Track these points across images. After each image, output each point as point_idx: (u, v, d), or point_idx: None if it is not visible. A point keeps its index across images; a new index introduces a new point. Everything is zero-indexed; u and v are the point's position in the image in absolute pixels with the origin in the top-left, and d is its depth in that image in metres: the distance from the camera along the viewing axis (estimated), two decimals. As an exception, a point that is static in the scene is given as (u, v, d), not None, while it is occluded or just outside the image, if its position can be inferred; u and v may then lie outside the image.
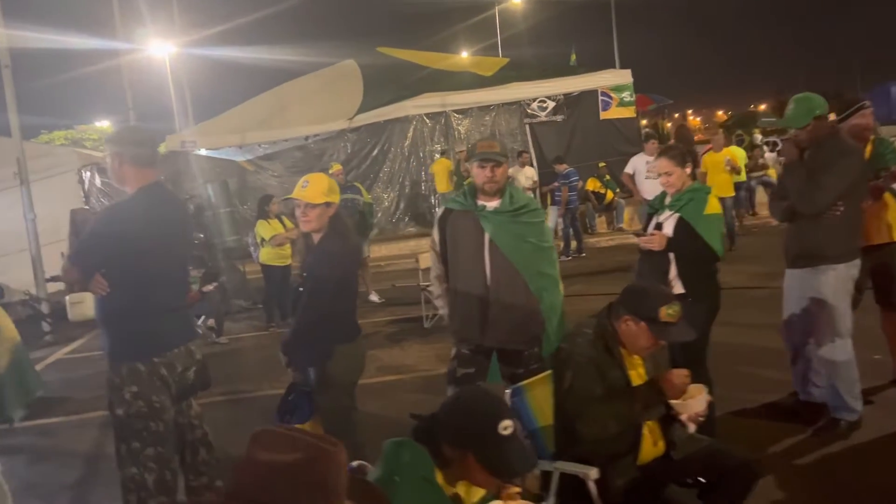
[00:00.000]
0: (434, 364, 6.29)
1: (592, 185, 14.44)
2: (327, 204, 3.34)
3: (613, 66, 19.17)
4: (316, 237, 3.40)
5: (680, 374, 2.69)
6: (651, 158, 9.10)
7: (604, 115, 16.09)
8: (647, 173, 9.29)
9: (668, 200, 3.98)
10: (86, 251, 3.17)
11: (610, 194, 13.75)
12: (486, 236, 3.58)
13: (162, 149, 16.03)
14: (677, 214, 3.86)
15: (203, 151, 15.80)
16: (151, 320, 3.17)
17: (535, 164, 14.31)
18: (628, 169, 10.02)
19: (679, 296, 3.79)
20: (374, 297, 9.59)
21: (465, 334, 3.65)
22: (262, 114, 15.85)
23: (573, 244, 11.77)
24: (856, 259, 4.02)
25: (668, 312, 2.70)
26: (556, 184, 11.53)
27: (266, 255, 8.49)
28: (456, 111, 15.77)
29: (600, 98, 16.07)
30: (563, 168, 11.64)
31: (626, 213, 14.12)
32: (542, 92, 15.82)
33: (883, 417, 4.22)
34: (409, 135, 15.70)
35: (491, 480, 1.91)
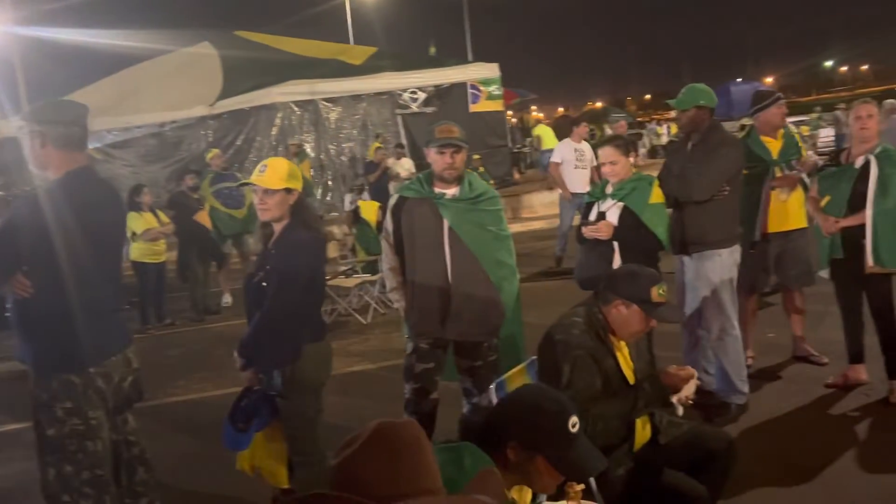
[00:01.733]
0: (350, 361, 6.07)
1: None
2: (288, 190, 3.05)
3: (466, 60, 19.42)
4: (277, 227, 3.10)
5: (685, 369, 2.70)
6: (578, 145, 8.82)
7: (473, 108, 16.24)
8: (577, 162, 8.75)
9: (609, 189, 4.02)
10: (3, 247, 2.71)
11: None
12: (446, 225, 3.45)
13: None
14: (621, 203, 3.91)
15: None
16: (86, 325, 2.76)
17: (407, 155, 14.22)
18: (556, 158, 8.98)
19: (602, 285, 3.88)
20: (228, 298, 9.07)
21: (424, 328, 3.50)
22: (111, 98, 14.61)
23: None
24: (737, 244, 4.21)
25: (659, 292, 2.69)
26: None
27: (138, 251, 7.82)
28: (326, 100, 15.32)
29: (469, 91, 16.22)
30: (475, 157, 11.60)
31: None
32: (413, 83, 15.72)
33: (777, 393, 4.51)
34: (277, 123, 15.07)
35: (556, 482, 1.80)
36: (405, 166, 12.34)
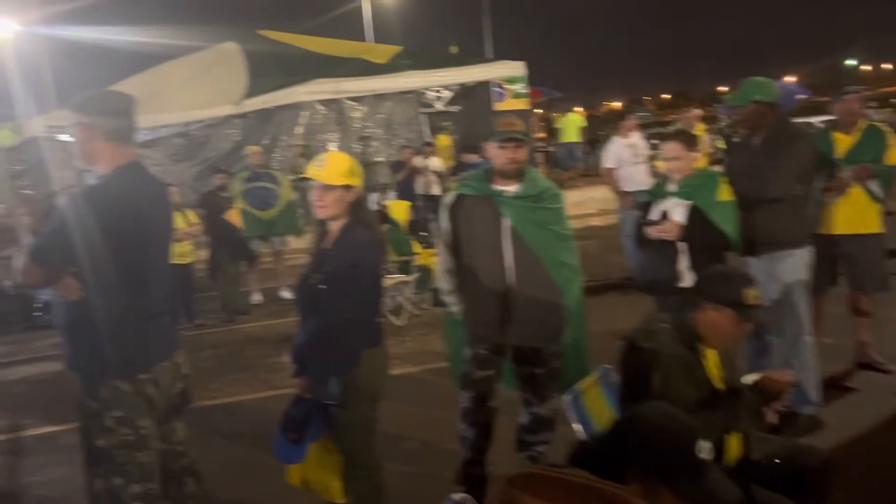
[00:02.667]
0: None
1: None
2: (347, 187, 2.88)
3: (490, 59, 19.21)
4: (334, 226, 2.93)
5: (786, 373, 2.50)
6: (629, 140, 7.94)
7: (498, 107, 16.01)
8: (632, 158, 7.80)
9: (671, 187, 3.81)
10: (51, 246, 2.55)
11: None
12: (506, 224, 3.26)
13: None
14: (686, 201, 3.70)
15: (69, 137, 14.33)
16: (136, 328, 2.62)
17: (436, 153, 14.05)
18: (610, 163, 7.88)
19: (690, 289, 3.67)
20: (286, 293, 8.96)
21: (484, 333, 3.32)
22: (139, 97, 14.43)
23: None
24: (810, 245, 4.02)
25: (752, 294, 2.50)
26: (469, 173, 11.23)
27: (167, 251, 7.69)
28: (350, 99, 15.21)
29: (495, 89, 16.01)
30: (472, 158, 11.43)
31: None
32: (438, 81, 15.56)
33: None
34: (302, 122, 14.96)
35: None
36: (435, 164, 12.18)
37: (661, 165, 4.14)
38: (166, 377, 2.71)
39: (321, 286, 2.85)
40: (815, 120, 19.57)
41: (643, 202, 3.97)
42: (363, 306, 2.87)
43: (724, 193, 3.67)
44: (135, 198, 2.64)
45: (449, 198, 3.44)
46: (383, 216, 13.13)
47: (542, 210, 3.29)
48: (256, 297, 8.94)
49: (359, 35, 27.94)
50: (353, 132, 15.30)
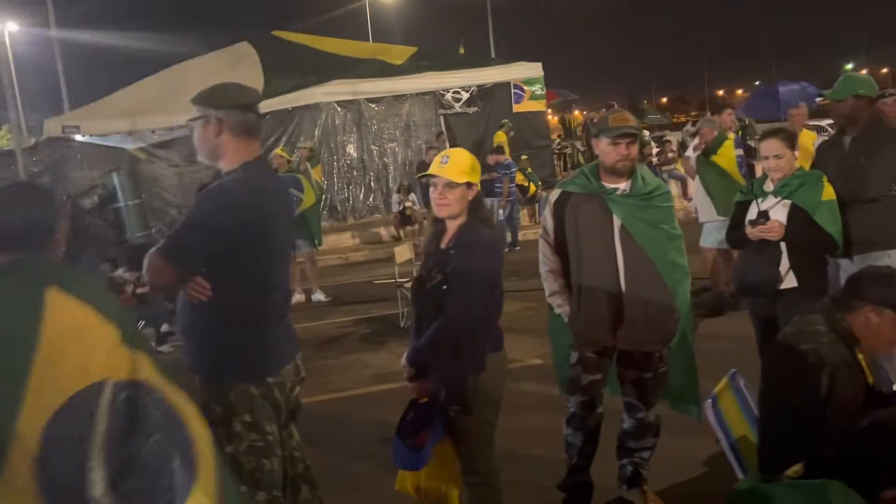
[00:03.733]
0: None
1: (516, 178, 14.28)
2: (469, 184, 2.78)
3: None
4: (452, 225, 2.84)
5: None
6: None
7: (516, 108, 15.95)
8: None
9: (769, 186, 3.72)
10: (189, 245, 2.44)
11: (533, 187, 13.63)
12: (616, 223, 3.17)
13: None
14: (787, 201, 3.61)
15: (86, 138, 14.19)
16: (266, 330, 2.53)
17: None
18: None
19: (791, 290, 3.58)
20: (319, 296, 8.86)
21: (593, 335, 3.22)
22: (155, 97, 14.43)
23: (508, 236, 11.54)
24: None
25: None
26: (495, 174, 11.16)
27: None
28: (368, 100, 15.10)
29: (513, 91, 15.94)
30: (502, 159, 11.35)
31: None
32: (456, 82, 15.47)
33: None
34: (320, 123, 14.86)
35: None
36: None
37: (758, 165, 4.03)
38: (289, 379, 2.62)
39: (444, 287, 2.76)
40: (825, 122, 19.60)
41: (738, 202, 3.87)
42: (487, 308, 2.78)
43: (828, 193, 3.58)
44: (265, 195, 2.55)
45: (553, 195, 3.35)
46: (403, 217, 13.20)
47: (652, 208, 3.20)
48: (294, 298, 8.84)
49: (360, 36, 27.97)
50: (372, 133, 15.20)
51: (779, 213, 3.61)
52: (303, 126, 14.76)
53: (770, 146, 3.64)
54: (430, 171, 2.80)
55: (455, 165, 2.76)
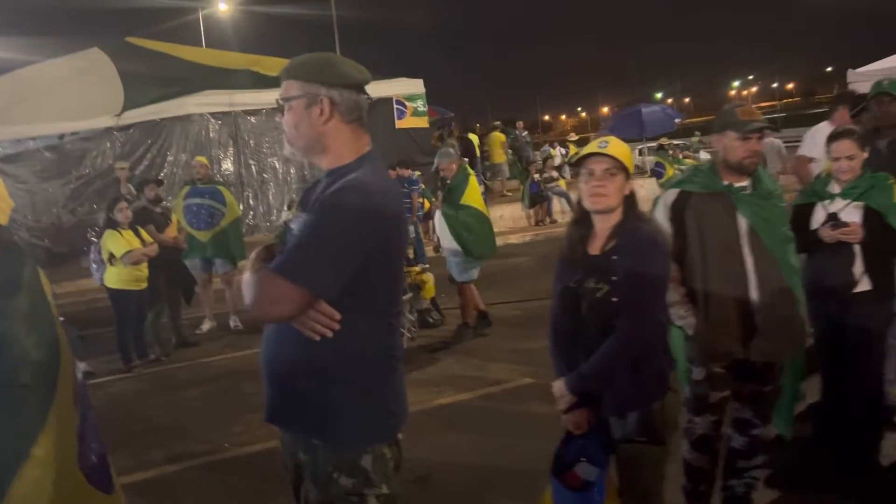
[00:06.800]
0: (432, 392, 5.28)
1: (404, 194, 13.91)
2: (628, 174, 2.44)
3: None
4: (605, 224, 2.46)
5: None
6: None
7: (399, 124, 15.67)
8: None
9: (835, 188, 3.65)
10: (326, 260, 1.84)
11: (427, 203, 13.32)
12: (743, 224, 2.92)
13: None
14: (858, 203, 3.55)
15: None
16: (397, 371, 2.03)
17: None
18: (808, 151, 5.58)
19: (865, 293, 3.52)
20: (237, 321, 7.96)
21: (723, 347, 2.93)
22: (-2, 106, 12.64)
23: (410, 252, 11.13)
24: None
25: None
26: (402, 189, 10.73)
27: (117, 276, 6.52)
28: (245, 112, 14.15)
29: (395, 106, 15.63)
30: (406, 173, 10.95)
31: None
32: (338, 96, 14.88)
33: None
34: (193, 135, 13.70)
35: None
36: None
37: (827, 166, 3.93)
38: None
39: (612, 299, 2.36)
40: (688, 141, 21.01)
41: (798, 204, 3.77)
42: (663, 320, 2.41)
43: (898, 195, 3.56)
44: (392, 199, 2.00)
45: (669, 197, 3.05)
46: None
47: (774, 208, 2.99)
48: (206, 325, 7.88)
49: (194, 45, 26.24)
50: (250, 148, 14.24)
51: (851, 215, 3.54)
52: (173, 139, 13.54)
53: (843, 146, 3.57)
54: (586, 150, 2.42)
55: (618, 148, 2.41)
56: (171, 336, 7.36)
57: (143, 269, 6.63)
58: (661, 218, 3.04)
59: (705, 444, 3.00)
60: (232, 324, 7.94)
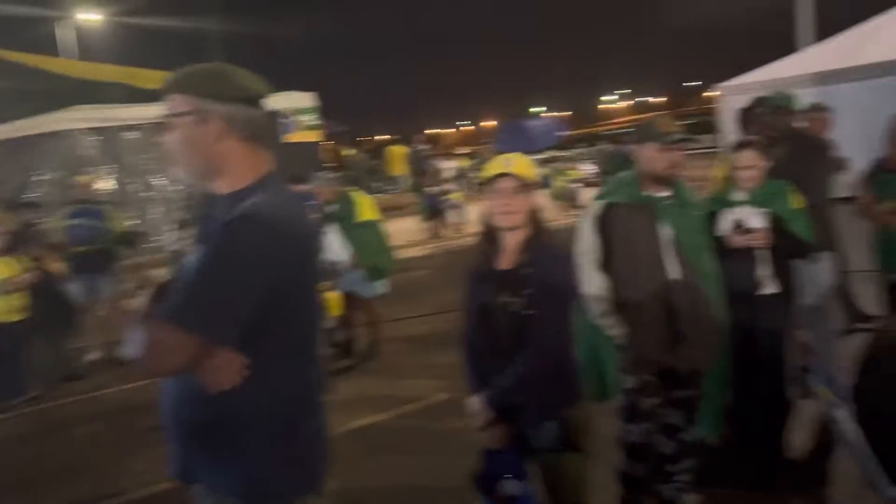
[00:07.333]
0: (348, 414, 5.11)
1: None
2: (532, 188, 2.50)
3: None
4: (513, 239, 2.51)
5: None
6: None
7: (287, 139, 15.33)
8: None
9: (740, 195, 3.82)
10: (221, 302, 1.66)
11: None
12: (666, 233, 3.00)
13: None
14: (762, 210, 3.73)
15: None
16: (322, 408, 1.90)
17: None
18: None
19: (770, 296, 3.70)
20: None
21: (652, 356, 3.00)
22: None
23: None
24: None
25: None
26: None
27: (-11, 307, 5.97)
28: (123, 127, 13.42)
29: (283, 120, 15.29)
30: (303, 189, 10.67)
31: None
32: (224, 109, 14.39)
33: None
34: (64, 153, 12.84)
35: None
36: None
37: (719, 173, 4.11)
38: None
39: (524, 313, 2.38)
40: (572, 153, 21.73)
41: (706, 212, 3.92)
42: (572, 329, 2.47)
43: (798, 201, 3.77)
44: (298, 222, 1.82)
45: (595, 209, 3.08)
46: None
47: (694, 217, 3.09)
48: (93, 355, 7.33)
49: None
50: (128, 164, 13.49)
51: (755, 221, 3.72)
52: (44, 157, 12.64)
53: (746, 157, 3.75)
54: (495, 170, 2.46)
55: (521, 164, 2.48)
56: (56, 369, 6.80)
57: (20, 299, 6.10)
58: (589, 230, 3.07)
59: (640, 452, 3.05)
60: (122, 352, 7.41)
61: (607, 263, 3.03)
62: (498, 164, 2.50)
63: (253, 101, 1.83)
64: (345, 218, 6.45)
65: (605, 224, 3.04)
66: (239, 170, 1.81)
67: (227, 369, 1.67)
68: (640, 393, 3.02)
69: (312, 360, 1.86)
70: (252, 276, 1.66)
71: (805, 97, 4.46)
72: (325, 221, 6.49)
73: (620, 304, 3.03)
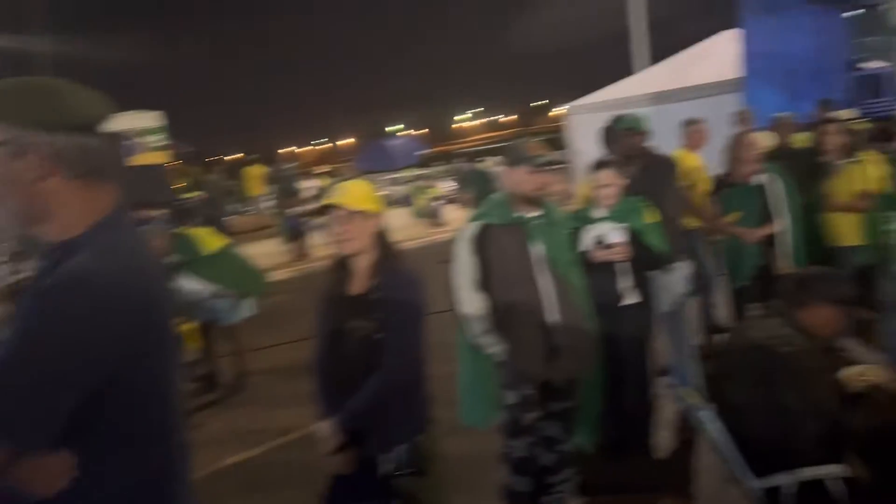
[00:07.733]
0: (217, 451, 4.84)
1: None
2: (371, 214, 2.49)
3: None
4: (362, 263, 2.51)
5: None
6: None
7: (131, 161, 14.50)
8: None
9: (600, 212, 4.00)
10: (29, 398, 1.32)
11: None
12: (537, 252, 3.10)
13: None
14: (619, 225, 3.93)
15: None
16: (182, 492, 1.59)
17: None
18: None
19: (634, 305, 3.91)
20: None
21: (531, 370, 3.07)
22: None
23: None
24: None
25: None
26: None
27: None
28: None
29: (127, 142, 14.45)
30: (153, 214, 10.11)
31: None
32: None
33: None
34: None
35: None
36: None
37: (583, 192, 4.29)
38: None
39: (375, 337, 2.40)
40: (431, 171, 21.93)
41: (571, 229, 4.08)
42: (423, 353, 2.51)
43: (651, 216, 4.01)
44: (141, 279, 1.48)
45: (470, 230, 3.12)
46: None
47: (562, 234, 3.21)
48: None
49: None
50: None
51: (615, 236, 3.91)
52: None
53: (605, 176, 3.94)
54: (325, 201, 2.47)
55: (353, 191, 2.48)
56: None
57: None
58: (465, 251, 3.11)
59: (524, 466, 3.10)
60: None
61: (484, 283, 3.09)
62: (331, 194, 2.50)
63: (88, 127, 1.47)
64: (190, 260, 6.06)
65: (481, 245, 3.09)
66: (70, 214, 1.46)
67: (47, 474, 1.36)
68: (521, 408, 3.08)
69: (173, 441, 1.55)
70: (73, 361, 1.34)
71: (643, 116, 4.76)
72: (172, 272, 6.07)
73: (498, 322, 3.08)
